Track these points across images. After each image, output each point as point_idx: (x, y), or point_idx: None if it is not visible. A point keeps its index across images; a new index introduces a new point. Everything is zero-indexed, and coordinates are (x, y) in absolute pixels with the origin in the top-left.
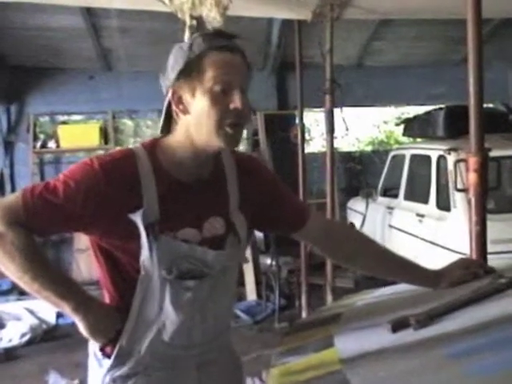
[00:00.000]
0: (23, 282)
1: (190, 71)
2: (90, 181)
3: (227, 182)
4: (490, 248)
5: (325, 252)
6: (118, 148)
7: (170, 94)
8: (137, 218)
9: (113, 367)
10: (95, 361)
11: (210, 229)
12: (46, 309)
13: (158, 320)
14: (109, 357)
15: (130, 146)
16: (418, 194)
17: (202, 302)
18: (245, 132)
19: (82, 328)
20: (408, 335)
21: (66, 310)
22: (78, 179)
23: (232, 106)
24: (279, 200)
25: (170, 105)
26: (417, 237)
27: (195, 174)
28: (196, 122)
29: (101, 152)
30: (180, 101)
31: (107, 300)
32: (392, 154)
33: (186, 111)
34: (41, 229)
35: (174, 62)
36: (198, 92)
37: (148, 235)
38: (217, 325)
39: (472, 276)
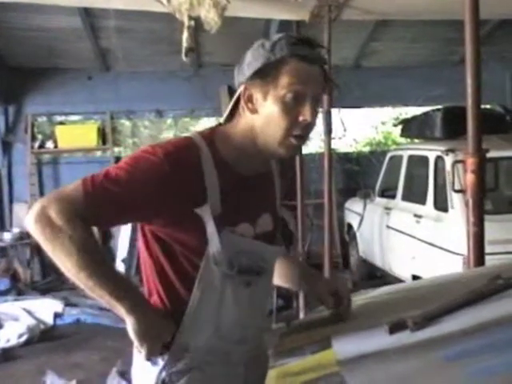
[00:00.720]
0: (78, 279)
1: (266, 74)
2: (155, 171)
3: (274, 179)
4: (488, 249)
5: None
6: (150, 144)
7: (241, 90)
8: (204, 212)
9: (169, 363)
10: (147, 360)
11: (262, 225)
12: (43, 309)
13: (217, 315)
14: (162, 355)
15: (189, 135)
16: (415, 194)
17: (257, 298)
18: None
19: (131, 331)
20: (405, 337)
21: (120, 311)
22: (142, 168)
23: (301, 118)
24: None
25: (238, 99)
26: (414, 237)
27: (252, 169)
28: (263, 125)
29: (99, 152)
30: (250, 99)
31: (152, 299)
32: (390, 154)
33: (254, 111)
34: (102, 220)
35: (253, 59)
36: (271, 96)
37: (215, 229)
38: (263, 321)
39: (327, 304)
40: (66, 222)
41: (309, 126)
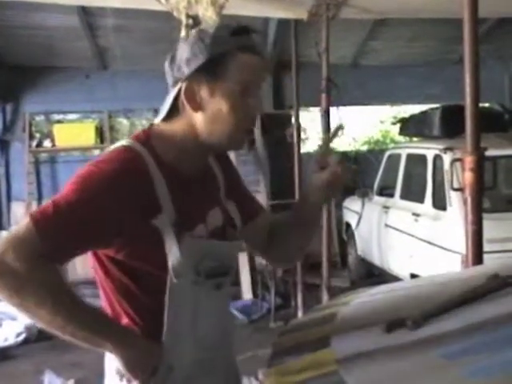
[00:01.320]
0: (53, 326)
1: (211, 69)
2: (105, 188)
3: (214, 170)
4: (486, 247)
5: (262, 252)
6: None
7: (182, 88)
8: (161, 222)
9: None
10: (121, 380)
11: (212, 221)
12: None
13: (194, 326)
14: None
15: (124, 143)
16: (413, 193)
17: (227, 298)
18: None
19: (123, 366)
20: (403, 335)
21: (107, 347)
22: (90, 189)
23: (251, 111)
24: (242, 187)
25: (176, 97)
26: (413, 236)
27: (194, 167)
28: (209, 122)
29: (97, 151)
30: (193, 97)
31: (123, 321)
32: (388, 153)
33: (198, 108)
34: (64, 254)
35: (192, 54)
36: (218, 92)
37: (174, 238)
38: (232, 321)
39: (333, 176)
40: (29, 267)
41: (256, 117)
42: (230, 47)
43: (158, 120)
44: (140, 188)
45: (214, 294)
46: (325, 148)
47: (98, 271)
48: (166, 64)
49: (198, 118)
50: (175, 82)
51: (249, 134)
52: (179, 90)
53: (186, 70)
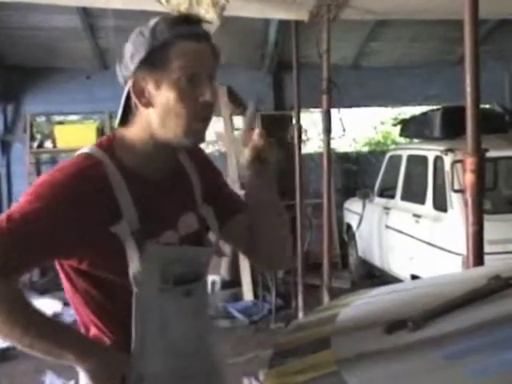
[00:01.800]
0: (11, 338)
1: (153, 61)
2: (61, 198)
3: (189, 174)
4: (487, 248)
5: (246, 252)
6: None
7: (129, 85)
8: (121, 230)
9: None
10: None
11: (184, 227)
12: (42, 309)
13: (163, 334)
14: None
15: (85, 151)
16: (414, 194)
17: (200, 304)
18: (241, 132)
19: (88, 378)
20: (404, 336)
21: (70, 359)
22: (46, 200)
23: (202, 99)
24: (222, 186)
25: (128, 96)
26: (413, 237)
27: (160, 170)
28: (161, 116)
29: None
30: (142, 93)
31: (91, 333)
32: (389, 154)
33: (148, 104)
34: (20, 268)
35: (134, 50)
36: (164, 84)
37: (135, 246)
38: (209, 327)
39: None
40: None
41: (210, 106)
42: (169, 37)
43: (116, 123)
44: (98, 195)
45: (183, 300)
46: (248, 126)
47: (64, 282)
48: (117, 66)
49: (151, 115)
50: (125, 82)
51: (206, 124)
52: (129, 90)
53: (131, 67)
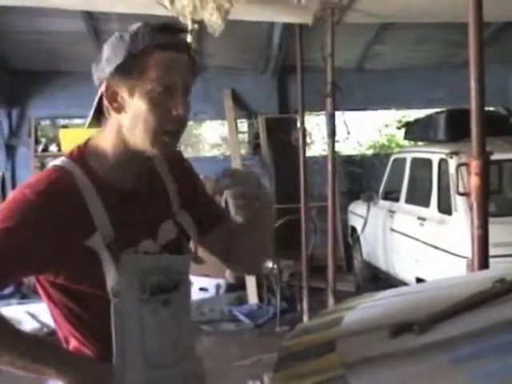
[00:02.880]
0: None
1: (129, 68)
2: (32, 216)
3: (165, 182)
4: (492, 251)
5: (221, 258)
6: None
7: (103, 88)
8: (95, 242)
9: None
10: None
11: (164, 235)
12: (47, 313)
13: (142, 345)
14: None
15: (56, 163)
16: (419, 197)
17: (180, 313)
18: (246, 136)
19: None
20: (410, 340)
21: (51, 373)
22: (17, 219)
23: (174, 112)
24: (202, 194)
25: (101, 99)
26: (418, 240)
27: (134, 179)
28: (131, 123)
29: None
30: (115, 97)
31: (71, 346)
32: (393, 157)
33: (120, 109)
34: None
35: (112, 53)
36: (137, 92)
37: (110, 257)
38: (190, 336)
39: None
40: None
41: (182, 120)
42: (148, 45)
43: (86, 125)
44: (69, 210)
45: (161, 311)
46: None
47: (43, 296)
48: (92, 67)
49: (122, 120)
50: (99, 84)
51: (174, 137)
52: (102, 93)
53: (107, 70)
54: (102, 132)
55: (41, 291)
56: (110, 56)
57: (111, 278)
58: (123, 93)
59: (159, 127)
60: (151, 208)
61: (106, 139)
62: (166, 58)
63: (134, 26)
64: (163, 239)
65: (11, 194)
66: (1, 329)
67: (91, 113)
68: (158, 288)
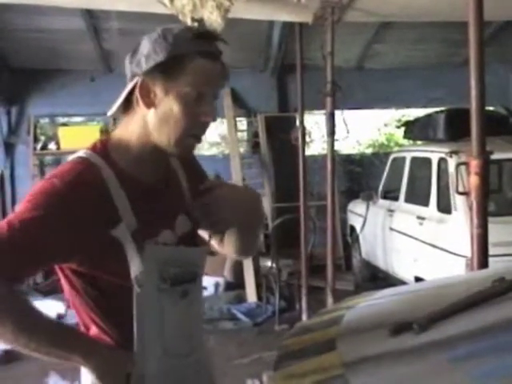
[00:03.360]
0: (18, 344)
1: (169, 68)
2: (59, 203)
3: (178, 177)
4: (491, 251)
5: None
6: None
7: (137, 82)
8: (120, 232)
9: None
10: None
11: (180, 228)
12: (46, 311)
13: (162, 335)
14: None
15: (80, 155)
16: (418, 196)
17: (196, 305)
18: (245, 134)
19: (95, 377)
20: (409, 339)
21: (77, 360)
22: (44, 205)
23: (204, 118)
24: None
25: (131, 92)
26: (417, 239)
27: (153, 173)
28: (160, 120)
29: None
30: (148, 93)
31: (91, 332)
32: (392, 156)
33: (150, 105)
34: (23, 272)
35: (152, 50)
36: (172, 92)
37: (134, 247)
38: (202, 327)
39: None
40: None
41: (207, 125)
42: (190, 50)
43: (110, 113)
44: (95, 200)
45: (179, 301)
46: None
47: (64, 284)
48: (127, 57)
49: (150, 115)
50: (132, 77)
51: (198, 140)
52: (134, 85)
53: (144, 66)
54: (125, 125)
55: (63, 279)
56: (149, 52)
57: (136, 267)
58: (158, 90)
59: (187, 130)
60: (168, 201)
61: (130, 132)
62: (204, 65)
63: (177, 29)
64: (180, 231)
65: (39, 184)
66: (29, 317)
67: (118, 102)
68: (177, 279)
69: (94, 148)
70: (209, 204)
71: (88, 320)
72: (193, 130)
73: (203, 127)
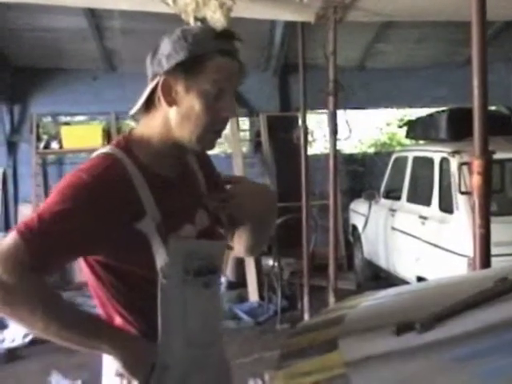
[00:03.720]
0: (48, 333)
1: (190, 67)
2: (86, 196)
3: (196, 173)
4: (494, 250)
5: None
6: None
7: (159, 81)
8: (145, 225)
9: None
10: (122, 381)
11: (200, 222)
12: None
13: (184, 324)
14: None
15: (105, 150)
16: (420, 196)
17: (216, 297)
18: (247, 134)
19: (121, 366)
20: (412, 338)
21: (104, 348)
22: (72, 198)
23: (224, 114)
24: (221, 188)
25: (153, 90)
26: (419, 239)
27: (173, 168)
28: (182, 118)
29: None
30: (169, 91)
31: (116, 322)
32: (395, 156)
33: (172, 103)
34: (53, 264)
35: (173, 50)
36: (193, 90)
37: (159, 240)
38: (222, 320)
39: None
40: (18, 278)
41: (227, 121)
42: (210, 49)
43: (132, 111)
44: (122, 194)
45: (202, 292)
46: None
47: (88, 275)
48: (148, 57)
49: (172, 113)
50: (154, 76)
51: (218, 136)
52: (156, 84)
53: (166, 65)
54: (147, 123)
55: (88, 271)
56: (170, 52)
57: (161, 259)
58: (179, 88)
59: (209, 126)
60: (187, 196)
61: (151, 129)
62: (223, 63)
63: (196, 29)
64: (200, 225)
65: (66, 178)
66: (58, 307)
67: (140, 101)
68: (200, 271)
69: (117, 144)
70: (227, 196)
71: (112, 311)
72: (214, 126)
73: (224, 123)
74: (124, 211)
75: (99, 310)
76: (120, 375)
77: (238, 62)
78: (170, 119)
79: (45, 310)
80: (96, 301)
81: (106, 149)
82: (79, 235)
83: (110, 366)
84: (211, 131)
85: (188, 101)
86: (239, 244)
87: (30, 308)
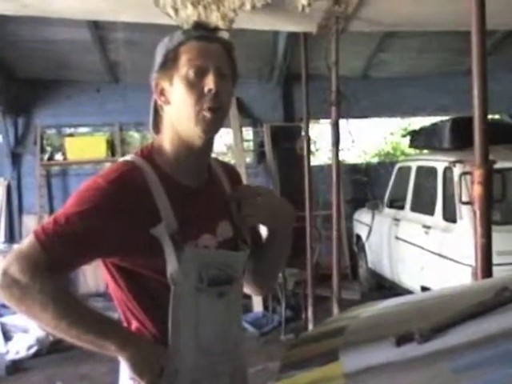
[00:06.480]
0: (59, 330)
1: (168, 60)
2: (103, 201)
3: (223, 185)
4: (496, 259)
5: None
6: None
7: (154, 88)
8: (159, 232)
9: None
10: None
11: (222, 233)
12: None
13: (196, 331)
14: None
15: (127, 158)
16: (424, 205)
17: (232, 307)
18: (251, 144)
19: (129, 367)
20: (412, 349)
21: (112, 349)
22: (89, 203)
23: (206, 88)
24: None
25: (156, 101)
26: (423, 248)
27: (195, 178)
28: (176, 110)
29: (108, 164)
30: (162, 92)
31: (133, 327)
32: (398, 165)
33: (167, 101)
34: (66, 265)
35: (157, 57)
36: (175, 79)
37: (172, 247)
38: (239, 330)
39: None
40: (32, 277)
41: (217, 97)
42: (182, 39)
43: (150, 129)
44: (137, 199)
45: (216, 301)
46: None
47: (108, 279)
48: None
49: (170, 112)
50: (154, 87)
51: (213, 112)
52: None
53: (155, 72)
54: (161, 132)
55: (106, 274)
56: (156, 60)
57: (171, 266)
58: (166, 85)
59: (197, 104)
60: (211, 206)
61: (164, 136)
62: (196, 45)
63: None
64: (221, 236)
65: (85, 183)
66: (71, 306)
67: (151, 116)
68: (214, 281)
69: (139, 153)
70: (248, 198)
71: (129, 314)
72: (203, 104)
73: (212, 99)
74: (138, 216)
75: (119, 314)
76: (132, 378)
77: (219, 45)
78: (171, 118)
79: (55, 308)
80: (116, 304)
81: (128, 157)
82: (93, 237)
83: (125, 372)
84: (202, 110)
85: (174, 91)
86: (250, 280)
87: (41, 306)
